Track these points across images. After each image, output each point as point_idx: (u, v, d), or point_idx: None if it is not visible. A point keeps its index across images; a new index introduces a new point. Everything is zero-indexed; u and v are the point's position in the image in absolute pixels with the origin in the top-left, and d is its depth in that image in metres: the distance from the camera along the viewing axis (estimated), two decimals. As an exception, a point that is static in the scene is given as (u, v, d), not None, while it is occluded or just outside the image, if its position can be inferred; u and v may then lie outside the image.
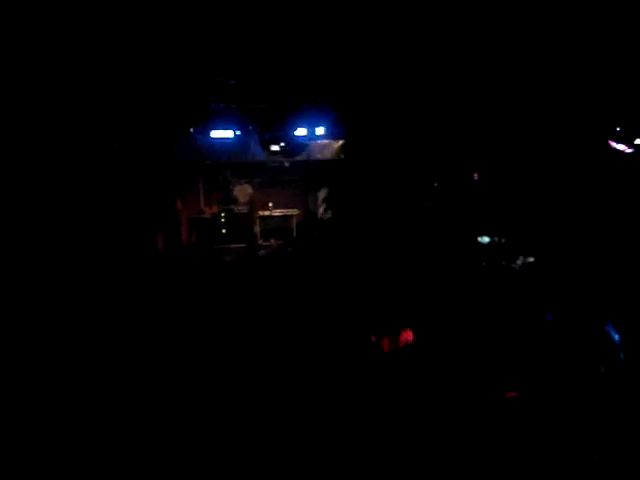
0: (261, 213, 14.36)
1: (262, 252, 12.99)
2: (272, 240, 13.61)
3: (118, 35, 8.45)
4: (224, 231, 14.25)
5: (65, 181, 10.72)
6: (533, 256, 9.73)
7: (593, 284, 8.18)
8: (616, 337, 6.35)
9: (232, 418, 5.23)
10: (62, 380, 5.99)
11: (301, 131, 12.43)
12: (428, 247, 10.33)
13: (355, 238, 12.02)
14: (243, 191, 14.66)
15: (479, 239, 10.01)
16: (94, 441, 4.93)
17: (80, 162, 11.10)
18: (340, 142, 13.97)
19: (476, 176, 12.26)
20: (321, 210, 13.65)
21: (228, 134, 12.49)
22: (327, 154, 14.15)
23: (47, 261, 9.59)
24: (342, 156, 14.08)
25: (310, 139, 12.85)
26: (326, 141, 13.78)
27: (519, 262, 9.58)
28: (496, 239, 9.97)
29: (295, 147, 12.80)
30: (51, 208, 10.26)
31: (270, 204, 14.38)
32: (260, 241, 13.49)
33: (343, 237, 12.48)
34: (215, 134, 12.42)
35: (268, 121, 12.60)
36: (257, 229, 14.05)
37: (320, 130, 12.48)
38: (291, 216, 14.52)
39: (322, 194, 13.85)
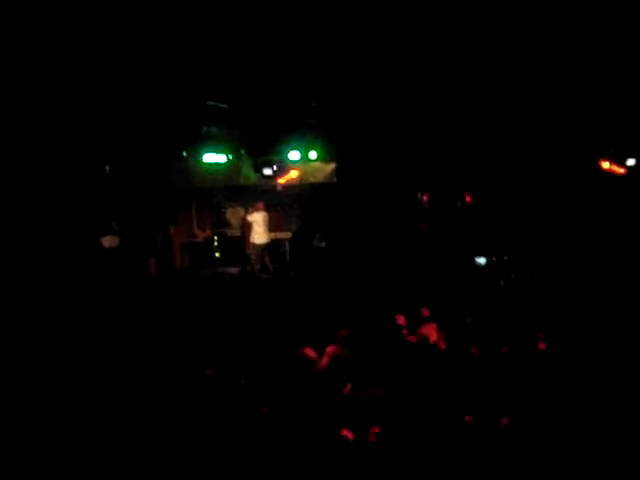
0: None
1: (265, 277, 12.88)
2: (268, 263, 13.54)
3: (111, 57, 8.47)
4: (217, 255, 14.18)
5: (56, 204, 10.66)
6: (527, 274, 9.78)
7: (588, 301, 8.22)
8: None
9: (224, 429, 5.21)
10: (54, 396, 5.96)
11: (294, 154, 12.47)
12: (424, 269, 10.34)
13: (349, 261, 12.01)
14: (236, 214, 14.62)
15: (476, 260, 10.04)
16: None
17: (71, 185, 11.05)
18: (332, 165, 13.97)
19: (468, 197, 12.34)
20: (315, 241, 13.61)
21: (221, 158, 12.50)
22: (320, 177, 14.14)
23: (40, 284, 9.52)
24: (335, 179, 14.07)
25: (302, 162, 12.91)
26: (318, 164, 13.78)
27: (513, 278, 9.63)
28: (493, 259, 10.00)
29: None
30: (42, 230, 10.19)
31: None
32: (258, 266, 13.38)
33: (337, 260, 12.46)
34: (208, 158, 12.41)
35: (261, 145, 12.63)
36: (249, 251, 13.96)
37: (313, 154, 12.51)
38: (284, 239, 14.47)
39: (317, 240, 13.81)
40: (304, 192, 14.44)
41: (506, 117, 10.41)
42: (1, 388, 6.23)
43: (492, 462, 4.76)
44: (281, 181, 13.67)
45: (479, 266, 10.04)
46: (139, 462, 4.79)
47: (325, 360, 6.60)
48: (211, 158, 12.41)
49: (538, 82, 9.33)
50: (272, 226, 13.83)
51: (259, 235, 13.38)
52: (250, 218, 13.52)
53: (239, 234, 14.27)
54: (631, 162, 10.39)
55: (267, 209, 13.64)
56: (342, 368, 6.41)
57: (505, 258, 10.31)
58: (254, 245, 13.48)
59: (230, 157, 12.57)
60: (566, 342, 6.90)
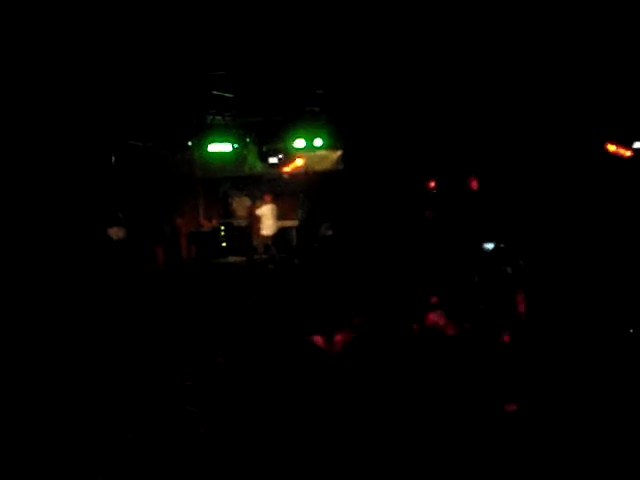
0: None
1: (271, 266, 12.90)
2: (274, 251, 13.55)
3: (117, 49, 8.47)
4: (224, 244, 14.19)
5: (63, 196, 10.68)
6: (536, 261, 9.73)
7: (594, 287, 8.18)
8: None
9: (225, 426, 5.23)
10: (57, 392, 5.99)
11: (299, 142, 12.47)
12: (430, 256, 10.32)
13: (356, 248, 11.99)
14: (242, 204, 14.62)
15: (484, 245, 10.00)
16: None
17: (78, 177, 11.07)
18: (338, 152, 13.94)
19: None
20: (322, 229, 13.61)
21: (226, 147, 12.52)
22: (326, 165, 14.13)
23: (47, 275, 9.55)
24: (341, 167, 14.06)
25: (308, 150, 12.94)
26: (324, 152, 13.77)
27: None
28: (502, 245, 9.95)
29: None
30: (49, 221, 10.22)
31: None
32: (265, 256, 13.42)
33: (344, 247, 12.44)
34: (213, 148, 12.43)
35: (266, 134, 12.63)
36: (256, 241, 14.01)
37: (318, 141, 12.51)
38: (291, 227, 14.47)
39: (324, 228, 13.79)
40: (310, 180, 14.41)
41: (512, 101, 10.35)
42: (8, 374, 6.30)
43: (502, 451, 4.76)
44: (287, 169, 13.65)
45: (486, 252, 10.01)
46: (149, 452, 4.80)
47: (336, 347, 6.60)
48: (216, 148, 12.44)
49: (544, 66, 9.27)
50: (279, 215, 13.86)
51: (268, 227, 13.50)
52: (259, 212, 13.60)
53: (245, 224, 14.27)
54: (639, 145, 10.32)
55: (274, 200, 13.66)
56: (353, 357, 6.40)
57: (513, 244, 10.26)
58: (262, 236, 13.56)
59: (235, 146, 12.59)
60: (573, 330, 6.87)
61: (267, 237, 13.57)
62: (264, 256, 13.46)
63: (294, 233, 14.46)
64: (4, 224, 9.35)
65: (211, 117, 12.19)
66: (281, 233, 14.04)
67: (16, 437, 5.00)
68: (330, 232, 13.38)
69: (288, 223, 14.45)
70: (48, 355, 7.06)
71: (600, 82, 9.27)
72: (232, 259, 13.81)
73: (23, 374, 6.48)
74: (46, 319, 8.16)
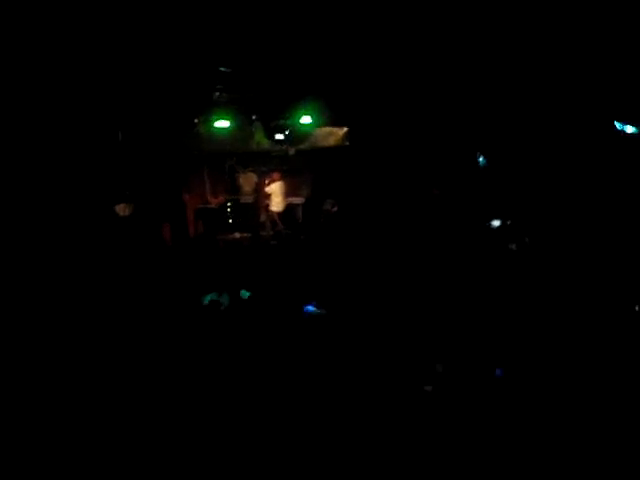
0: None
1: (274, 242, 12.99)
2: (281, 228, 13.65)
3: (122, 26, 8.47)
4: (230, 221, 14.26)
5: (69, 173, 10.70)
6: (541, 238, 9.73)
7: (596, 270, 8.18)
8: None
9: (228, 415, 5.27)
10: (63, 373, 6.03)
11: (306, 119, 12.49)
12: (436, 234, 10.33)
13: (361, 225, 12.01)
14: (248, 180, 14.62)
15: (491, 222, 10.01)
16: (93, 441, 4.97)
17: (85, 153, 11.08)
18: (344, 129, 13.91)
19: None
20: (328, 206, 13.64)
21: (232, 124, 12.55)
22: (331, 141, 14.10)
23: (52, 255, 9.59)
24: (347, 143, 14.03)
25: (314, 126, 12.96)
26: (330, 128, 13.76)
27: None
28: (508, 222, 9.96)
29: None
30: (55, 200, 10.24)
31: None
32: (270, 233, 13.50)
33: (349, 225, 12.46)
34: (219, 124, 12.44)
35: (273, 110, 12.63)
36: (263, 218, 14.08)
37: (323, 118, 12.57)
38: (297, 204, 14.50)
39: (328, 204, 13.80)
40: (316, 157, 14.39)
41: (520, 78, 10.28)
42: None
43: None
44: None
45: (492, 229, 10.02)
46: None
47: None
48: (223, 124, 12.47)
49: (550, 51, 9.22)
50: (286, 192, 13.93)
51: (277, 204, 13.64)
52: (268, 190, 13.70)
53: (252, 200, 14.31)
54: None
55: (282, 177, 13.74)
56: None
57: (520, 221, 10.24)
58: (269, 212, 13.68)
59: (240, 122, 12.62)
60: (579, 307, 6.89)
61: (275, 213, 13.67)
62: (271, 232, 13.56)
63: (300, 210, 14.50)
64: (10, 201, 9.39)
65: (217, 93, 12.16)
66: (288, 210, 14.10)
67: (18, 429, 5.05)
68: (335, 208, 13.42)
69: (295, 200, 14.49)
70: (54, 331, 7.13)
71: (607, 63, 9.20)
72: (238, 235, 13.89)
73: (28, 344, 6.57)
74: (52, 297, 8.22)
